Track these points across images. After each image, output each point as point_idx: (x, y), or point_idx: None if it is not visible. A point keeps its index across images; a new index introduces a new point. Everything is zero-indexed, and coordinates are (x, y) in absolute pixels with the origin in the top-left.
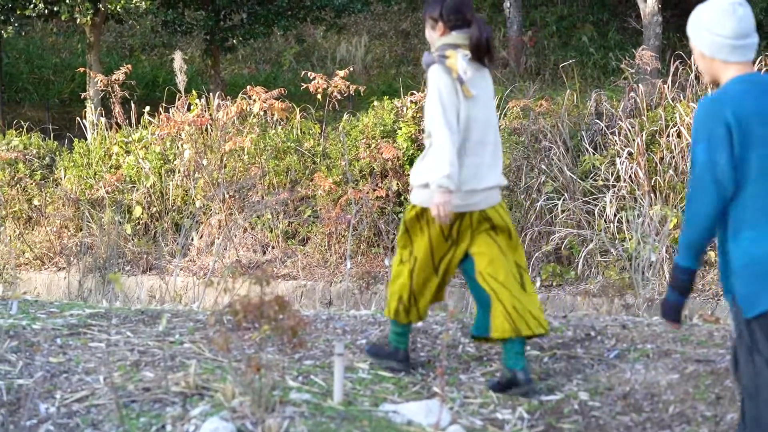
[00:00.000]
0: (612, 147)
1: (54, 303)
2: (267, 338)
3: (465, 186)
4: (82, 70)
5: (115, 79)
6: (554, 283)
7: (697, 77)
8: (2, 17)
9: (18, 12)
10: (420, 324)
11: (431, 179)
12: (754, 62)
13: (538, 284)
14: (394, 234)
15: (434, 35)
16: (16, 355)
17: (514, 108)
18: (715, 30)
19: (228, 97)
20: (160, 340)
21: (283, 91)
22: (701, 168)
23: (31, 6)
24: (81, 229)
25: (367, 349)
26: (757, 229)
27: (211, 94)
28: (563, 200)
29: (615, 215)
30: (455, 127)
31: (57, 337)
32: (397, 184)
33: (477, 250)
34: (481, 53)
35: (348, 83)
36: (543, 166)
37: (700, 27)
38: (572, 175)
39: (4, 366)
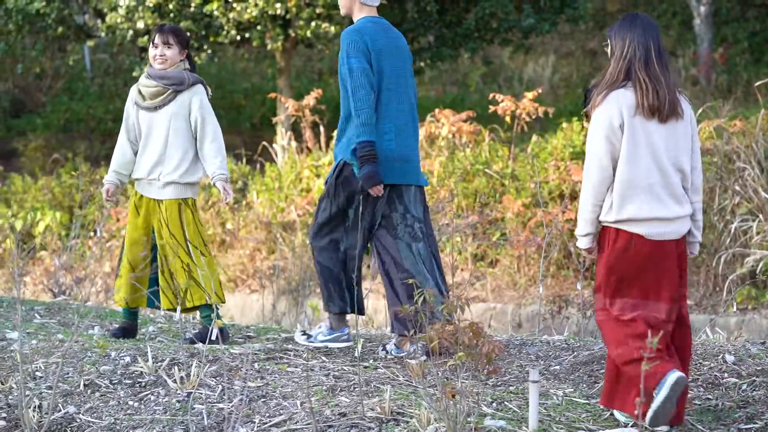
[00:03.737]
0: None
1: (250, 327)
2: (461, 363)
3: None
4: (273, 95)
5: (306, 104)
6: (749, 306)
7: None
8: (196, 44)
9: (211, 39)
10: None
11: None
12: None
13: (734, 307)
14: (584, 256)
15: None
16: (215, 380)
17: (707, 128)
18: None
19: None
20: (354, 365)
21: (471, 114)
22: (358, 72)
23: (224, 33)
24: (273, 252)
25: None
26: (384, 128)
27: None
28: (758, 222)
29: None
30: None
31: (255, 361)
32: None
33: None
34: None
35: (536, 105)
36: (737, 188)
37: None
38: (767, 196)
39: (205, 390)
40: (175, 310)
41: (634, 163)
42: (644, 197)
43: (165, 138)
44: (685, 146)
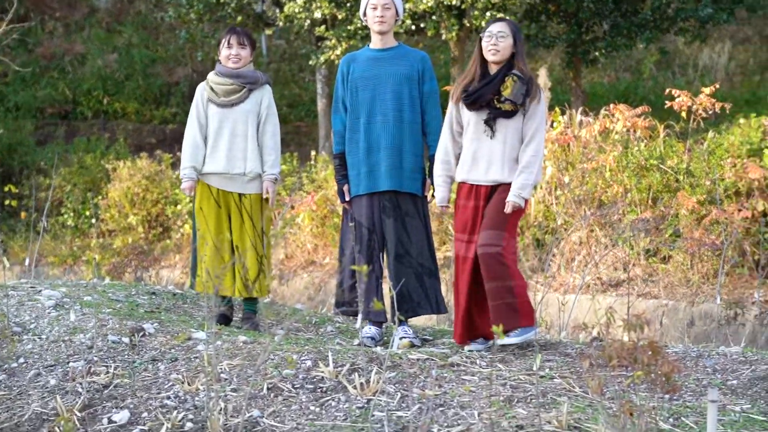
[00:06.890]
0: None
1: (426, 329)
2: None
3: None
4: (447, 88)
5: None
6: None
7: None
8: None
9: None
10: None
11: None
12: None
13: None
14: (760, 255)
15: (249, 57)
16: (394, 387)
17: None
18: None
19: (588, 108)
20: (530, 374)
21: (646, 109)
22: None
23: (399, 23)
24: (444, 243)
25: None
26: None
27: (571, 106)
28: None
29: None
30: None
31: (432, 368)
32: (764, 204)
33: None
34: None
35: (713, 101)
36: None
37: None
38: None
39: (384, 397)
40: (244, 299)
41: None
42: None
43: (245, 134)
44: None
